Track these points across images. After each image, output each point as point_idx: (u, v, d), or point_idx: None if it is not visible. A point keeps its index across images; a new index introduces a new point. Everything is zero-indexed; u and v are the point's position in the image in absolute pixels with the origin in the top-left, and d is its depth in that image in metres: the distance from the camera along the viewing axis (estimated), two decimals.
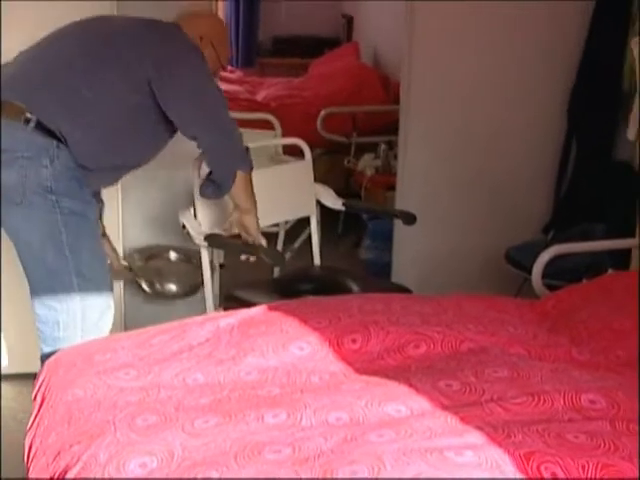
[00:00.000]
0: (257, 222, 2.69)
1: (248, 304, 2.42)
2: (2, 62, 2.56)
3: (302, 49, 7.06)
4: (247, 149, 2.64)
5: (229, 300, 2.85)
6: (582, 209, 3.58)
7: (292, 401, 1.67)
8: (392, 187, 3.91)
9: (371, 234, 4.37)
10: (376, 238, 4.29)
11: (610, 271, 2.81)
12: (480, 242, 3.69)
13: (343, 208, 3.19)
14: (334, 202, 3.16)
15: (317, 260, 3.19)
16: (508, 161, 3.68)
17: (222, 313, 2.23)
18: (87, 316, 2.48)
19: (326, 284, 2.98)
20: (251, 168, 2.63)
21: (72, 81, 2.44)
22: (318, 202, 3.19)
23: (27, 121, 2.34)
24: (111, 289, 2.58)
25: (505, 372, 1.78)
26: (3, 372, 3.03)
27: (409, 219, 3.07)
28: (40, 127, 2.35)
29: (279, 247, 3.75)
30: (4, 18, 2.87)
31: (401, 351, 1.90)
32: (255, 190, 2.73)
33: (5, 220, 2.43)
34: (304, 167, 3.16)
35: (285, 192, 3.09)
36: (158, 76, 2.45)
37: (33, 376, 2.09)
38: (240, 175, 2.58)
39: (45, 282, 2.46)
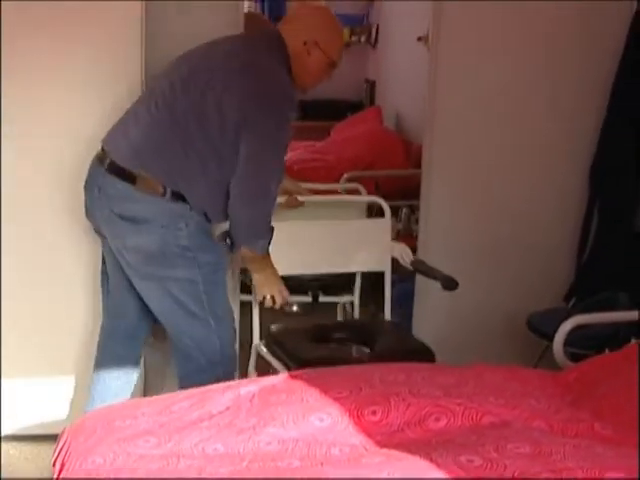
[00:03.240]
0: (267, 283, 2.78)
1: (283, 345, 2.87)
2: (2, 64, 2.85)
3: (325, 112, 7.13)
4: (271, 229, 2.67)
5: (267, 339, 3.06)
6: (604, 277, 3.57)
7: (312, 474, 1.67)
8: (413, 250, 3.91)
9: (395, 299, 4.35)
10: (401, 304, 4.27)
11: (633, 341, 2.79)
12: (502, 307, 3.68)
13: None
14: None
15: (388, 314, 3.35)
16: (530, 227, 3.68)
17: (243, 381, 2.23)
18: (225, 353, 2.77)
19: (357, 334, 3.13)
20: (265, 251, 2.70)
21: (186, 149, 2.60)
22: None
23: (163, 194, 2.58)
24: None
25: (527, 448, 1.76)
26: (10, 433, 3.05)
27: (450, 284, 3.09)
28: (174, 195, 2.59)
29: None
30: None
31: (422, 424, 1.89)
32: (332, 241, 3.18)
33: (148, 278, 2.70)
34: (383, 224, 3.39)
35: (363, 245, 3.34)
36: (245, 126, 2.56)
37: (52, 438, 2.09)
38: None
39: (186, 326, 2.75)
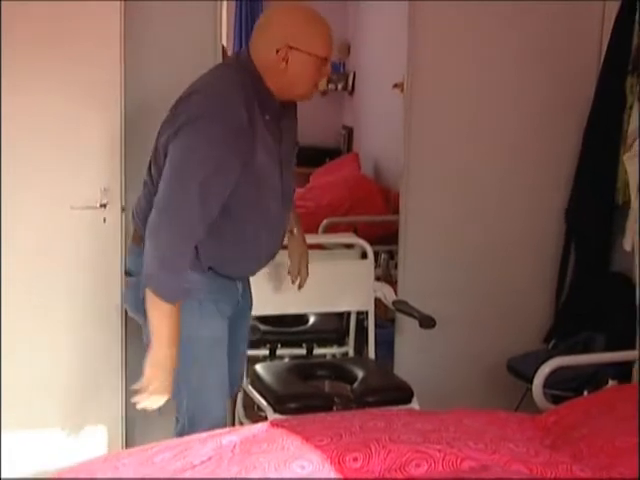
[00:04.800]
0: (154, 364, 2.31)
1: (265, 382, 2.92)
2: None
3: (303, 159, 7.15)
4: (179, 278, 2.29)
5: (252, 376, 3.06)
6: (582, 318, 3.60)
7: None
8: None
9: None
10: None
11: (611, 382, 2.82)
12: (482, 350, 3.70)
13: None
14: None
15: (372, 353, 3.39)
16: (508, 270, 3.72)
17: (225, 430, 2.23)
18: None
19: (339, 371, 3.19)
20: (166, 296, 2.27)
21: (145, 193, 2.50)
22: None
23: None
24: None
25: None
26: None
27: (427, 323, 3.15)
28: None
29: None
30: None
31: (402, 470, 1.89)
32: (317, 281, 3.03)
33: None
34: (367, 265, 3.46)
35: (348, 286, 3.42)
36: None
37: None
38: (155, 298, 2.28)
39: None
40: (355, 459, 1.94)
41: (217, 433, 2.21)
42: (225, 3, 3.61)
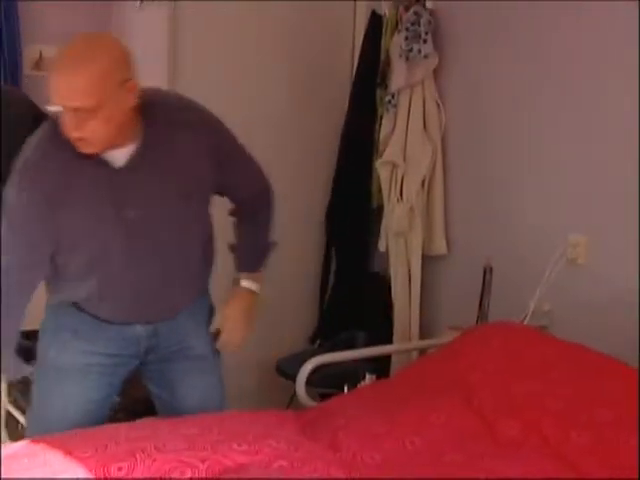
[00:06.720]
0: None
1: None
2: None
3: None
4: None
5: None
6: (344, 318, 3.77)
7: None
8: None
9: None
10: None
11: (368, 377, 2.97)
12: (252, 355, 3.77)
13: None
14: None
15: None
16: (274, 277, 3.76)
17: None
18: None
19: None
20: None
21: None
22: None
23: None
24: None
25: None
26: None
27: None
28: None
29: None
30: None
31: (166, 478, 1.92)
32: None
33: None
34: None
35: None
36: None
37: None
38: None
39: None
40: (120, 469, 1.95)
41: None
42: None
